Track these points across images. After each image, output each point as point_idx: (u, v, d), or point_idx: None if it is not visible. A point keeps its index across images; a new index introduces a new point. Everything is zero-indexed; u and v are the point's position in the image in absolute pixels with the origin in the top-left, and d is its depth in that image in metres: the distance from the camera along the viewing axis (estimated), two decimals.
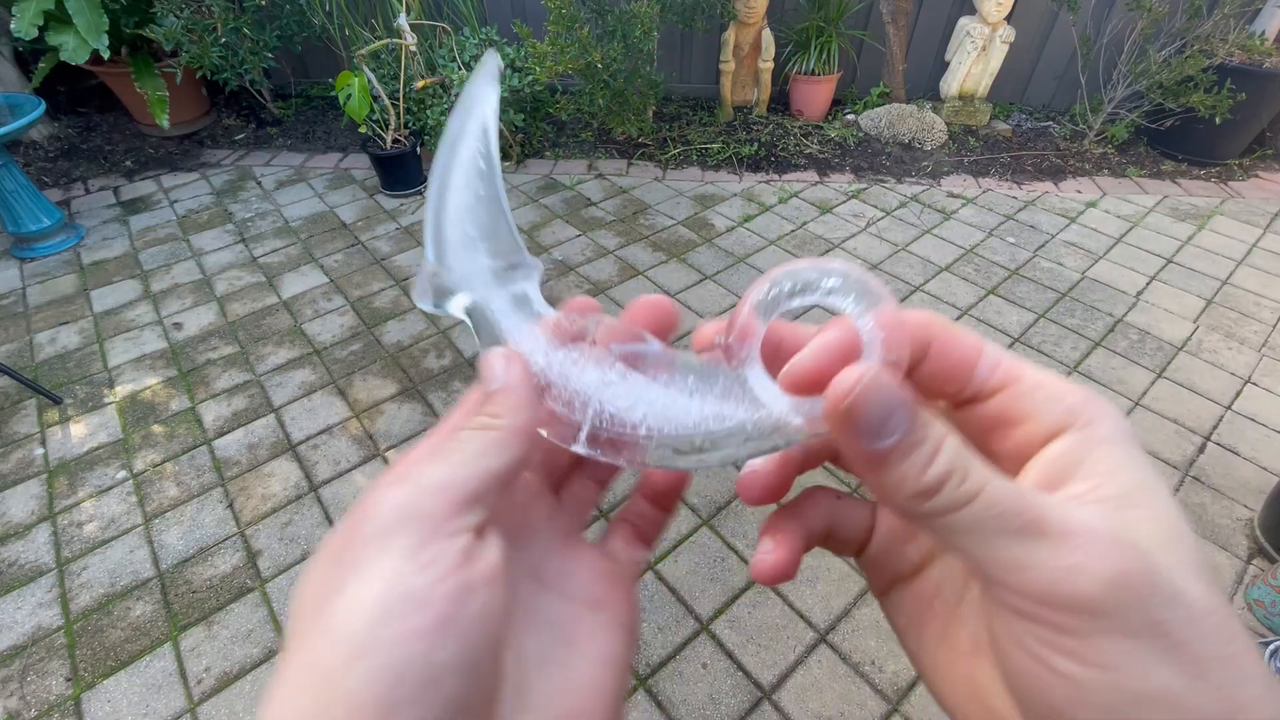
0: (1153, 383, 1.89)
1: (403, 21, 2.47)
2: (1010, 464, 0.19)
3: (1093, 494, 0.17)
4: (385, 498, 0.16)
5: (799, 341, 0.20)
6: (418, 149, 2.69)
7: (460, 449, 0.18)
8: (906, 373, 0.19)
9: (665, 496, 0.26)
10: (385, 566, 0.15)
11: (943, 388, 0.20)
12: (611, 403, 0.21)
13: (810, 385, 0.18)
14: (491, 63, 0.24)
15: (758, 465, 0.23)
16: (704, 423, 0.20)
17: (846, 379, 0.16)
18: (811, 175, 2.92)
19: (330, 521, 1.52)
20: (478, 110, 0.24)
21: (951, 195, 2.79)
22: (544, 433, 0.21)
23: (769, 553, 0.22)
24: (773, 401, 0.20)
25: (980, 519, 0.16)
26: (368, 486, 0.18)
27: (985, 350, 0.20)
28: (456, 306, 0.23)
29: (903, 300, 2.19)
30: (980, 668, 0.19)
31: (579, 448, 0.21)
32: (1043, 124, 3.32)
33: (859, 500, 0.25)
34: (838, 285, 0.19)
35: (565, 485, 0.26)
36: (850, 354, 0.18)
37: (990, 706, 0.19)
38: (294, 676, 0.15)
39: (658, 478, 0.26)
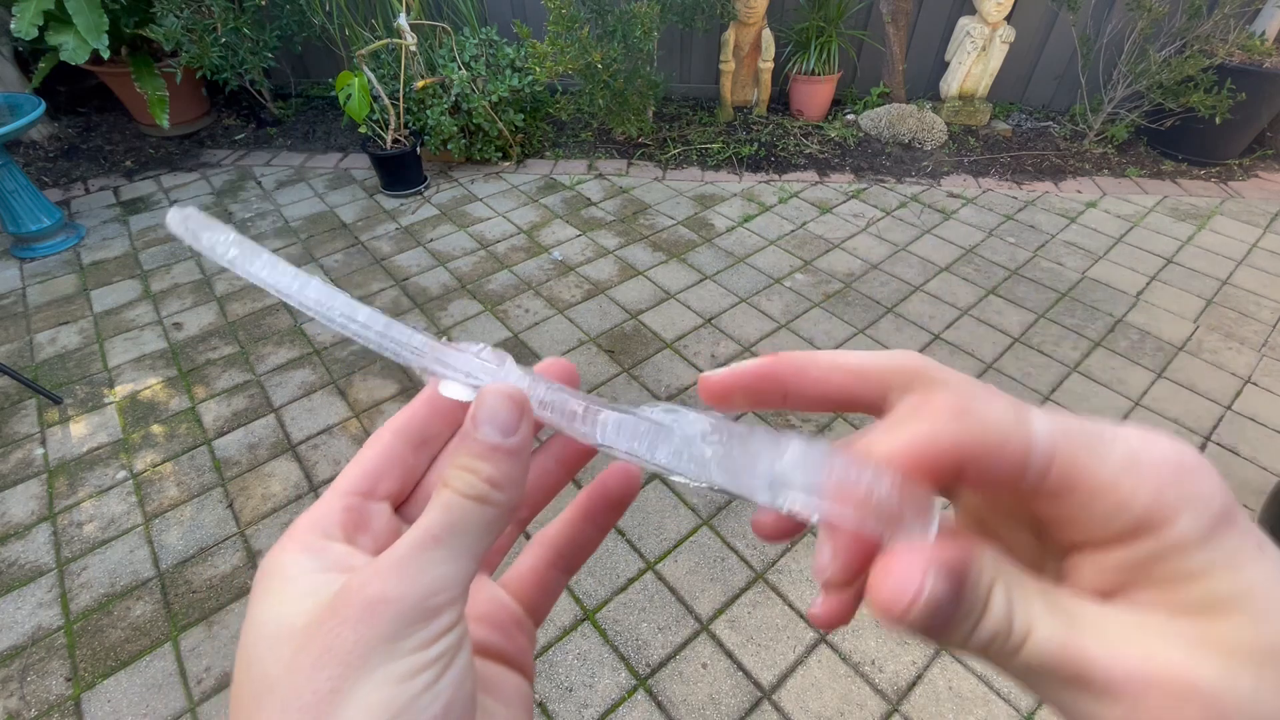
0: (1153, 383, 1.89)
1: (403, 21, 2.47)
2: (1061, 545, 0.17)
3: (1162, 603, 0.14)
4: (390, 596, 0.16)
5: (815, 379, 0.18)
6: (418, 149, 2.69)
7: (461, 531, 0.17)
8: (948, 483, 0.16)
9: (611, 509, 0.24)
10: (396, 669, 0.15)
11: (991, 494, 0.18)
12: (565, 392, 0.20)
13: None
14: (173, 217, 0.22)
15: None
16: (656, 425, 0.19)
17: (894, 606, 0.14)
18: (811, 175, 2.92)
19: None
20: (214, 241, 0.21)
21: (951, 195, 2.79)
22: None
23: (820, 604, 0.20)
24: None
25: (1028, 669, 0.14)
26: (289, 568, 0.17)
27: (1032, 450, 0.15)
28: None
29: (903, 300, 2.20)
30: None
31: (600, 438, 0.19)
32: (1043, 124, 3.32)
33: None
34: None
35: None
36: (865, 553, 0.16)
37: None
38: None
39: (610, 482, 0.24)
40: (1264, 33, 2.87)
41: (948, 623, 0.14)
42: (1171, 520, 0.14)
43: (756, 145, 3.09)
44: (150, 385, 1.88)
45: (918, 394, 0.17)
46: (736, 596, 1.38)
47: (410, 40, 2.50)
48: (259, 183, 2.88)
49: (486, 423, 0.18)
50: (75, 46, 2.53)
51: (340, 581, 0.17)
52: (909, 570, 0.14)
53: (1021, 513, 0.18)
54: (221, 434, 1.74)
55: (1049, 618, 0.14)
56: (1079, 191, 2.82)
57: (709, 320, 2.11)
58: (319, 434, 1.73)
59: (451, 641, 0.16)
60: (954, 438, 0.15)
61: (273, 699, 0.15)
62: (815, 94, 3.23)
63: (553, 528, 0.25)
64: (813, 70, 3.14)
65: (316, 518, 0.19)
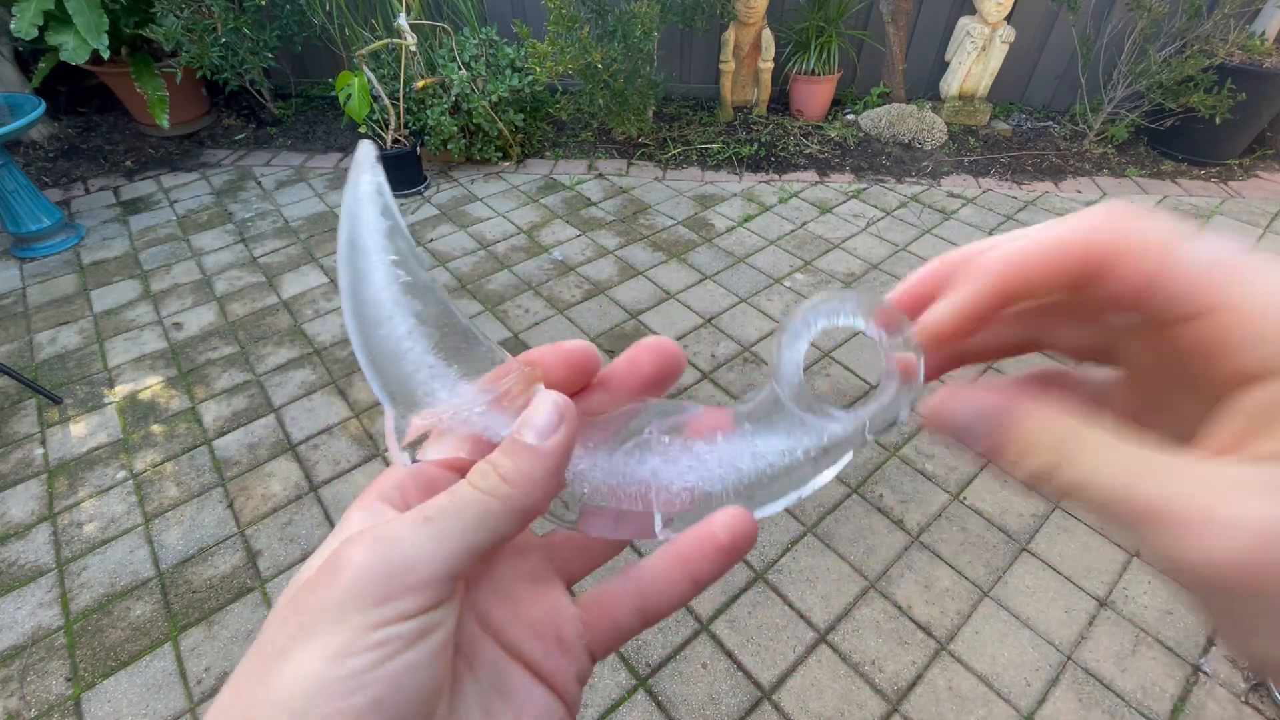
0: None
1: (403, 21, 2.47)
2: (1215, 394, 0.16)
3: (1270, 450, 0.14)
4: (356, 561, 0.15)
5: None
6: (418, 149, 2.69)
7: (455, 515, 0.17)
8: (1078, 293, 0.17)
9: (720, 560, 0.23)
10: (334, 642, 0.15)
11: (1119, 309, 0.17)
12: (678, 479, 0.20)
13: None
14: (363, 151, 0.21)
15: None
16: (765, 460, 0.20)
17: (931, 400, 0.18)
18: (811, 175, 2.92)
19: (330, 522, 1.52)
20: (365, 213, 0.20)
21: (951, 195, 2.79)
22: (622, 535, 0.21)
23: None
24: (828, 420, 0.20)
25: (1091, 507, 0.15)
26: (350, 529, 0.17)
27: (1179, 267, 0.15)
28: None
29: None
30: None
31: (661, 535, 0.21)
32: (1043, 124, 3.32)
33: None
34: (853, 309, 0.20)
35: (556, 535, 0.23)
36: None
37: None
38: None
39: (721, 533, 0.23)
40: (1264, 33, 2.87)
41: (988, 451, 0.17)
42: None
43: (756, 145, 3.09)
44: (150, 385, 1.88)
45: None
46: (736, 596, 1.38)
47: (410, 40, 2.50)
48: (259, 183, 2.88)
49: (526, 424, 0.18)
50: (75, 46, 2.53)
51: None
52: (963, 404, 0.17)
53: (1183, 375, 0.17)
54: (221, 434, 1.74)
55: (1110, 466, 0.15)
56: (1079, 191, 2.82)
57: (709, 320, 2.11)
58: (319, 434, 1.73)
59: (407, 629, 0.15)
60: (1088, 235, 0.16)
61: (254, 660, 0.16)
62: (815, 94, 3.23)
63: (646, 566, 0.22)
64: (813, 70, 3.14)
65: (384, 481, 0.19)
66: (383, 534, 0.16)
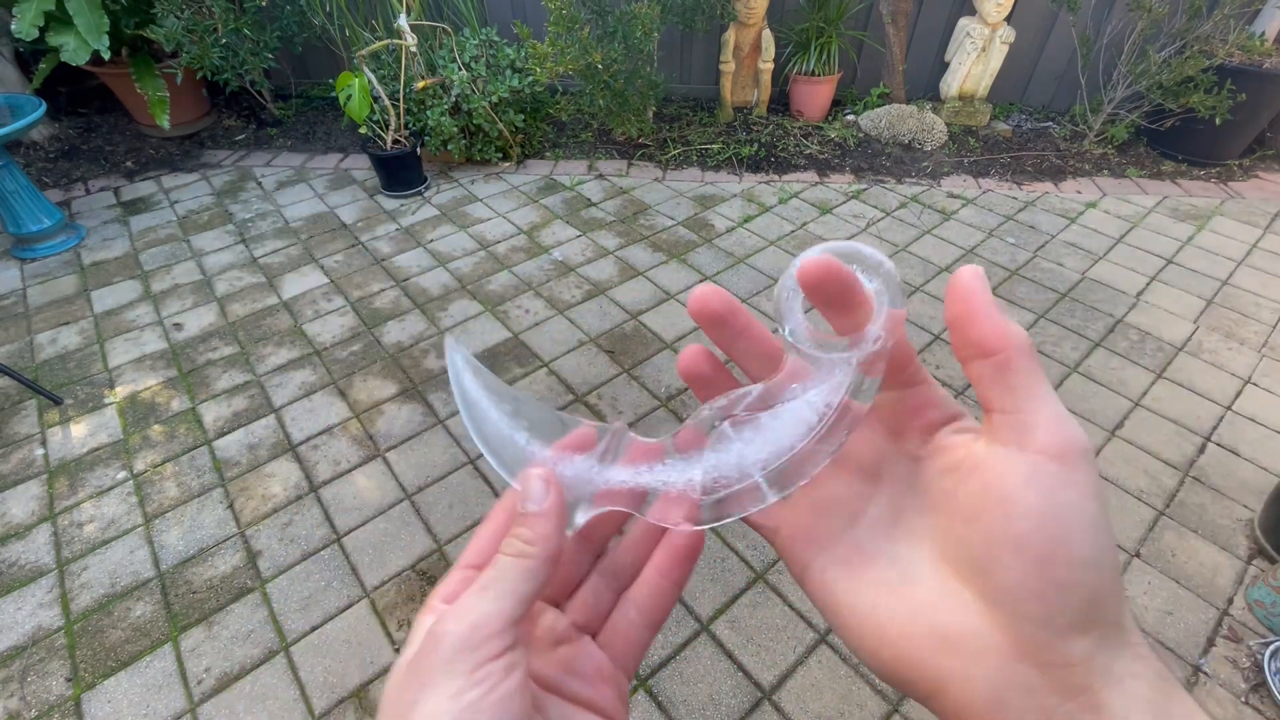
0: (1153, 383, 1.89)
1: (403, 22, 2.47)
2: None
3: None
4: (448, 630, 0.21)
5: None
6: (418, 149, 2.69)
7: (502, 579, 0.22)
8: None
9: (680, 563, 0.28)
10: (451, 686, 0.20)
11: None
12: (760, 451, 0.24)
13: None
14: (452, 354, 0.26)
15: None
16: (823, 402, 0.23)
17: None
18: (811, 176, 2.93)
19: (330, 522, 1.52)
20: (464, 377, 0.26)
21: (951, 196, 2.79)
22: (655, 520, 0.25)
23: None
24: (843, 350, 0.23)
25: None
26: (423, 627, 0.23)
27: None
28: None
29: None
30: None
31: (771, 497, 0.24)
32: (1043, 124, 3.32)
33: None
34: (875, 268, 0.22)
35: (575, 592, 0.28)
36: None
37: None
38: None
39: (676, 540, 0.28)
40: (1264, 33, 2.87)
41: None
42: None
43: (756, 146, 3.09)
44: (150, 386, 1.88)
45: None
46: (737, 597, 1.38)
47: (410, 41, 2.50)
48: (259, 183, 2.88)
49: (525, 497, 0.24)
50: (76, 47, 2.53)
51: None
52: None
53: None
54: (222, 434, 1.74)
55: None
56: (1079, 192, 2.82)
57: None
58: (319, 434, 1.73)
59: (498, 667, 0.21)
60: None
61: (380, 715, 0.21)
62: (815, 94, 3.24)
63: (635, 588, 0.28)
64: (813, 71, 3.14)
65: (443, 588, 0.25)
66: (458, 609, 0.22)
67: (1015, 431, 0.20)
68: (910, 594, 0.21)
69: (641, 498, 0.25)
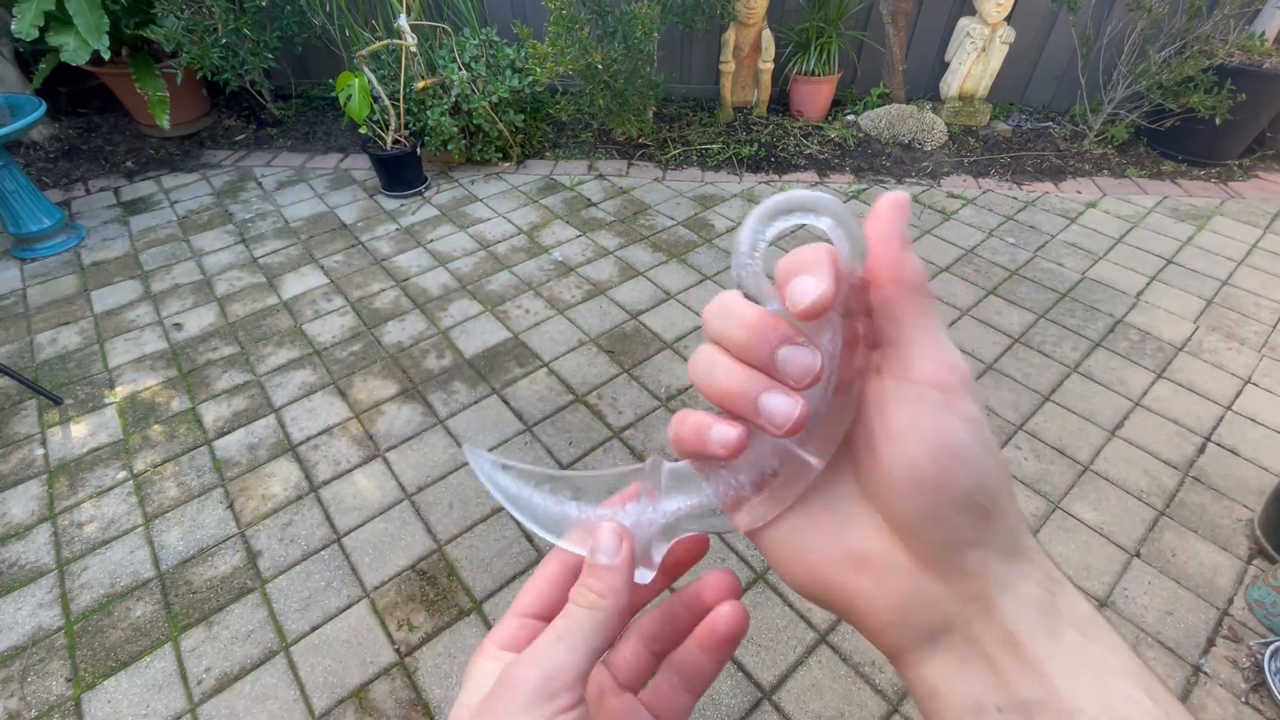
0: (1153, 383, 1.89)
1: (403, 22, 2.47)
2: None
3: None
4: (525, 677, 0.22)
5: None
6: (418, 149, 2.69)
7: (576, 630, 0.23)
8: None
9: (723, 645, 0.27)
10: None
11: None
12: (758, 462, 0.24)
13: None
14: (477, 461, 0.27)
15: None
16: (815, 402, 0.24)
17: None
18: (811, 176, 2.93)
19: (330, 522, 1.52)
20: (495, 475, 0.27)
21: (951, 196, 2.79)
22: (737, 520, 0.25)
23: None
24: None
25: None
26: (481, 672, 0.24)
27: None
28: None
29: None
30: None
31: (816, 464, 0.24)
32: (1043, 124, 3.32)
33: None
34: (829, 223, 0.22)
35: (613, 658, 0.29)
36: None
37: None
38: None
39: (719, 623, 0.28)
40: (1264, 33, 2.87)
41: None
42: None
43: (756, 146, 3.09)
44: (150, 386, 1.88)
45: None
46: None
47: (410, 41, 2.50)
48: (259, 183, 2.88)
49: (595, 549, 0.24)
50: (76, 47, 2.53)
51: None
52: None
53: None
54: (222, 434, 1.74)
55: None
56: (1079, 192, 2.82)
57: None
58: (319, 434, 1.73)
59: (569, 718, 0.21)
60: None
61: None
62: (815, 94, 3.24)
63: (677, 656, 0.28)
64: (813, 71, 3.14)
65: (499, 634, 0.25)
66: (533, 655, 0.22)
67: (900, 364, 0.21)
68: (829, 521, 0.23)
69: (707, 515, 0.25)
